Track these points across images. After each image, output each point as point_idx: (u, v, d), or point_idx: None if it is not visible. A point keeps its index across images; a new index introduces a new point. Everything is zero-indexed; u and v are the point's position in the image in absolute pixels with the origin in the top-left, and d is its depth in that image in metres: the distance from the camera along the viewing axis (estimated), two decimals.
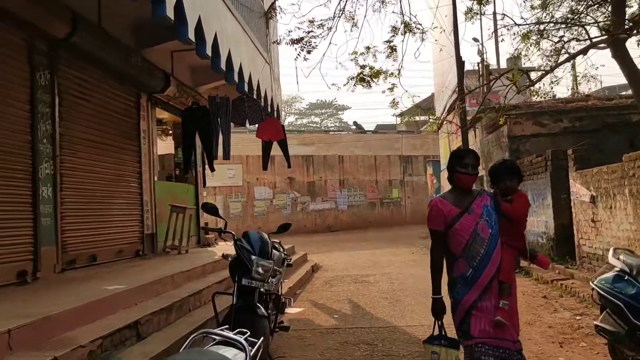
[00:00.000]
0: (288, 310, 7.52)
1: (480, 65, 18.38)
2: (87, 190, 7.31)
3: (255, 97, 10.64)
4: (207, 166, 10.62)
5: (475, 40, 18.30)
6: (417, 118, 30.81)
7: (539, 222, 11.35)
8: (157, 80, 8.94)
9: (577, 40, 10.84)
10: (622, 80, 12.55)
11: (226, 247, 7.05)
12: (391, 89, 10.71)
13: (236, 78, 9.15)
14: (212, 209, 4.88)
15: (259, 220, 26.98)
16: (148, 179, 9.19)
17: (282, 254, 5.73)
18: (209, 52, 7.60)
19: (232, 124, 10.07)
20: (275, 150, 12.77)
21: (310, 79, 76.30)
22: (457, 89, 13.67)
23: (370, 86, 10.72)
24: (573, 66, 16.12)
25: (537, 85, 14.70)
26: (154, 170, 9.45)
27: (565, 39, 11.04)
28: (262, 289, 4.57)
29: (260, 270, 4.51)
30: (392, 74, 11.02)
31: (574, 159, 9.36)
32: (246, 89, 9.88)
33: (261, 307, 4.42)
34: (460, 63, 13.70)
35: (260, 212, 27.28)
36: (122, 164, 8.34)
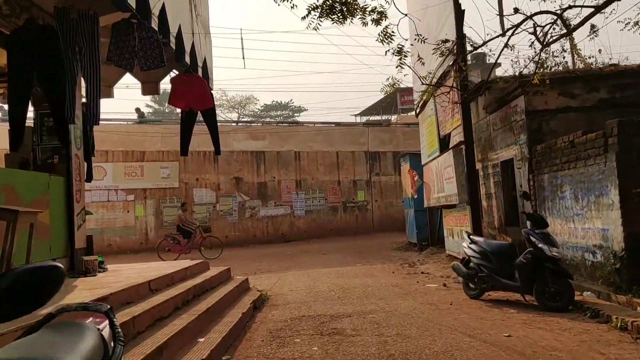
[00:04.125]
0: None
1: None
2: None
3: (156, 28, 6.52)
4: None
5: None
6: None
7: (590, 231, 7.68)
8: None
9: None
10: None
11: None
12: (377, 21, 6.80)
13: None
14: None
15: None
16: None
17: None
18: None
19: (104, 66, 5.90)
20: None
21: (266, 81, 72.05)
22: (454, 46, 9.92)
23: (344, 18, 6.81)
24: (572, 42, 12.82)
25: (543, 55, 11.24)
26: None
27: None
28: None
29: None
30: (374, 9, 7.17)
31: None
32: (133, 5, 5.76)
33: None
34: (459, 11, 10.02)
35: (201, 220, 22.78)
36: None
